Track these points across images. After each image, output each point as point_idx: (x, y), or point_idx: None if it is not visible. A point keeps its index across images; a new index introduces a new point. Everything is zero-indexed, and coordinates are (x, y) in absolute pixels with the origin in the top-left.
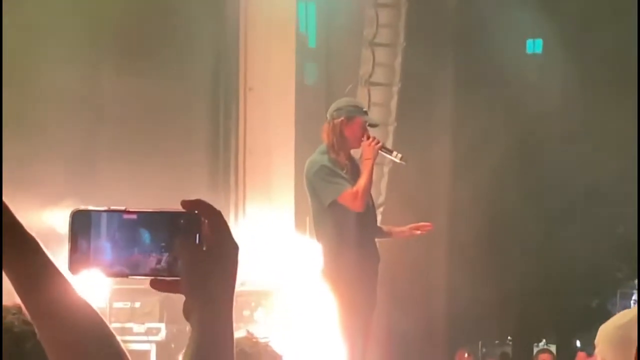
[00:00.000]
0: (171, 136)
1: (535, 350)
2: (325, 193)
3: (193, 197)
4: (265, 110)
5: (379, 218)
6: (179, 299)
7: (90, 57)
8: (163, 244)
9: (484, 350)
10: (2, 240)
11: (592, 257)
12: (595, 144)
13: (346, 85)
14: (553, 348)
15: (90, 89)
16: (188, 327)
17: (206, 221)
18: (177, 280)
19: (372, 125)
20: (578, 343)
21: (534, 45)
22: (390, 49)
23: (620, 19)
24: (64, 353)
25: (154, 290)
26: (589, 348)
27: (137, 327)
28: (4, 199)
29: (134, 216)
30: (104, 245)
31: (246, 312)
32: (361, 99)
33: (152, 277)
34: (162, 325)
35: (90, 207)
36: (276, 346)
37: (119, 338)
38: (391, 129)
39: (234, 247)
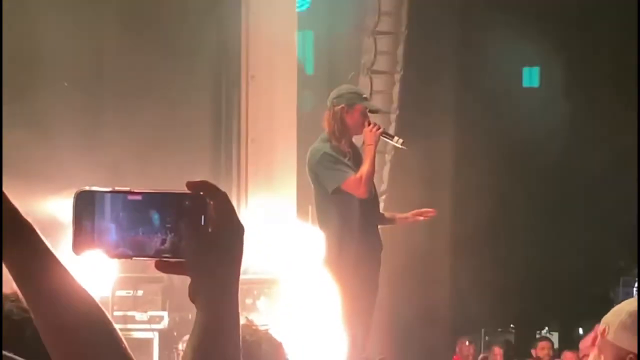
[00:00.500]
0: (173, 124)
1: (536, 337)
2: (329, 180)
3: None
4: (267, 98)
5: (381, 206)
6: (182, 287)
7: (92, 45)
8: (168, 225)
9: (486, 338)
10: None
11: (594, 245)
12: (598, 133)
13: (348, 73)
14: (556, 336)
15: (92, 76)
16: (191, 315)
17: (211, 202)
18: (182, 261)
19: (373, 112)
20: (581, 331)
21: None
22: (392, 37)
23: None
24: (59, 339)
25: (156, 279)
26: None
27: (139, 315)
28: (3, 185)
29: (139, 197)
30: (108, 226)
31: (249, 301)
32: (363, 87)
33: (157, 259)
34: (165, 314)
35: (95, 188)
36: (276, 334)
37: (115, 325)
38: (393, 117)
39: (240, 229)
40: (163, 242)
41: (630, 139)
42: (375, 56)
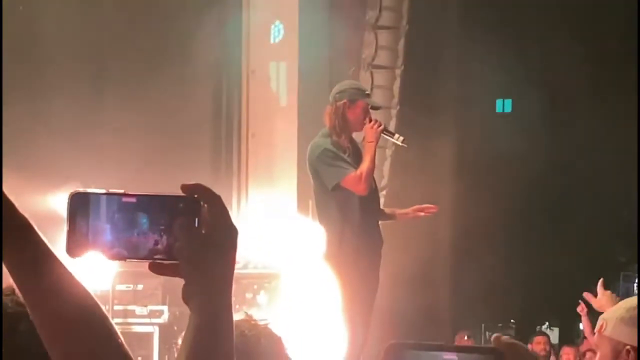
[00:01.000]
0: (174, 120)
1: (535, 332)
2: (329, 176)
3: (196, 181)
4: (267, 94)
5: (381, 201)
6: (182, 281)
7: (93, 43)
8: (162, 228)
9: (487, 333)
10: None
11: (595, 241)
12: (599, 129)
13: (349, 68)
14: (556, 331)
15: (93, 73)
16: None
17: (205, 205)
18: (175, 263)
19: (375, 108)
20: (581, 326)
21: None
22: (393, 32)
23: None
24: (56, 334)
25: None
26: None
27: (139, 310)
28: (16, 184)
29: (133, 199)
30: (102, 228)
31: (249, 295)
32: (364, 82)
33: (151, 261)
34: (165, 308)
35: (89, 190)
36: (276, 328)
37: (113, 319)
38: (394, 112)
39: (233, 231)
40: (157, 244)
41: (632, 134)
42: (376, 51)
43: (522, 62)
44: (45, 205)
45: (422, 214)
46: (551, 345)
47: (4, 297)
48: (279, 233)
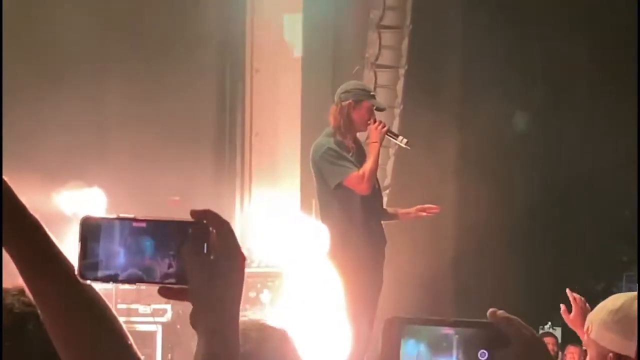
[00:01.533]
0: (178, 118)
1: (539, 332)
2: (332, 176)
3: (199, 179)
4: (271, 92)
5: (385, 201)
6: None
7: (97, 40)
8: (171, 252)
9: None
10: (6, 223)
11: (598, 241)
12: (600, 126)
13: (352, 67)
14: (559, 331)
15: (97, 70)
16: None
17: (214, 231)
18: (184, 288)
19: (379, 109)
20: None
21: None
22: (397, 32)
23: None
24: (66, 334)
25: None
26: None
27: (143, 308)
28: (9, 182)
29: (143, 224)
30: (114, 252)
31: (252, 294)
32: (367, 82)
33: (161, 285)
34: (168, 307)
35: (100, 215)
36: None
37: (121, 320)
38: (397, 111)
39: (241, 257)
40: (166, 268)
41: (632, 134)
42: (379, 50)
43: (526, 62)
44: (48, 204)
45: (425, 214)
46: (558, 346)
47: (10, 297)
48: (282, 232)
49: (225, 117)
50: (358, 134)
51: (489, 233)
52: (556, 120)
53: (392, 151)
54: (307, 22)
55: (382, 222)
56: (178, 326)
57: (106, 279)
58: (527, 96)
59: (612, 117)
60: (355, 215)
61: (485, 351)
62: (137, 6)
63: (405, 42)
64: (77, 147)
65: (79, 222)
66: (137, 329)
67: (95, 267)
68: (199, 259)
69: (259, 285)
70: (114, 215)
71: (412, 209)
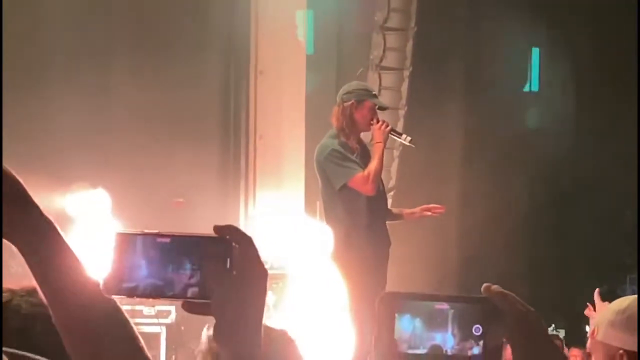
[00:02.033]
0: (182, 120)
1: None
2: (336, 177)
3: (203, 182)
4: (275, 94)
5: (389, 202)
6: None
7: (100, 42)
8: (194, 267)
9: None
10: (19, 222)
11: (601, 243)
12: (603, 128)
13: (357, 69)
14: (562, 332)
15: (100, 72)
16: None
17: (237, 246)
18: (207, 302)
19: (382, 109)
20: (587, 328)
21: None
22: (402, 34)
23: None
24: (77, 334)
25: None
26: None
27: (147, 310)
28: (24, 183)
29: (167, 240)
30: (136, 269)
31: None
32: (372, 83)
33: (184, 299)
34: (172, 308)
35: (126, 231)
36: (290, 331)
37: (132, 321)
38: (402, 113)
39: (263, 273)
40: (189, 283)
41: (634, 136)
42: (384, 52)
43: (529, 63)
44: (53, 206)
45: (430, 213)
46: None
47: (18, 299)
48: (287, 234)
49: (229, 119)
50: (362, 135)
51: (493, 234)
52: (559, 122)
53: (396, 153)
54: (311, 24)
55: (387, 222)
56: (182, 327)
57: (130, 294)
58: (530, 98)
59: (616, 118)
60: (360, 216)
61: (479, 326)
62: (141, 10)
63: (410, 44)
64: (82, 149)
65: (113, 235)
66: (141, 330)
67: (119, 281)
68: (221, 274)
69: None
70: (138, 231)
71: (417, 209)
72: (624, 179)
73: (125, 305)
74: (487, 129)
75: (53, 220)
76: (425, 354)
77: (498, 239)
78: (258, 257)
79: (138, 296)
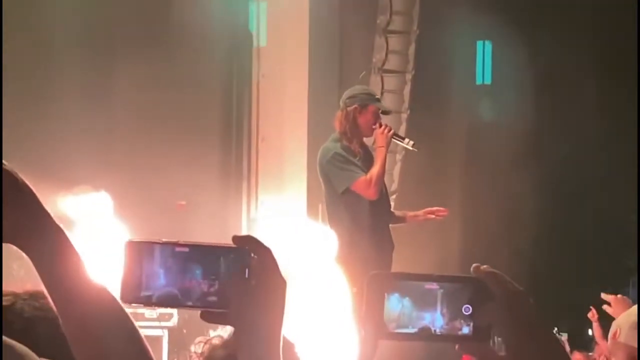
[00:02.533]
0: (184, 123)
1: None
2: (339, 180)
3: (205, 184)
4: (278, 97)
5: (392, 205)
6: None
7: (103, 44)
8: (213, 277)
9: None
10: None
11: (604, 246)
12: (607, 131)
13: (359, 72)
14: (564, 336)
15: (103, 74)
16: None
17: (255, 257)
18: (225, 312)
19: (385, 113)
20: (590, 332)
21: None
22: (404, 36)
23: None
24: (84, 336)
25: None
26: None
27: (149, 313)
28: (33, 187)
29: (186, 249)
30: (154, 278)
31: None
32: (374, 87)
33: (202, 309)
34: (175, 311)
35: (143, 239)
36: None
37: (136, 324)
38: (404, 116)
39: (282, 283)
40: (208, 292)
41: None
42: (386, 55)
43: (532, 66)
44: (54, 208)
45: (433, 216)
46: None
47: (20, 302)
48: (289, 237)
49: (231, 122)
50: (365, 139)
51: (496, 237)
52: (563, 125)
53: (399, 156)
54: (313, 27)
55: (389, 225)
56: (184, 331)
57: (147, 302)
58: (534, 100)
59: (619, 121)
60: (363, 219)
61: (469, 306)
62: (144, 12)
63: (412, 47)
64: (84, 152)
65: (124, 245)
66: (143, 334)
67: (137, 290)
68: (240, 284)
69: None
70: (156, 240)
71: (420, 212)
72: (627, 182)
73: (127, 309)
74: (490, 132)
75: (62, 227)
76: (414, 333)
77: (501, 241)
78: (276, 267)
79: (155, 305)
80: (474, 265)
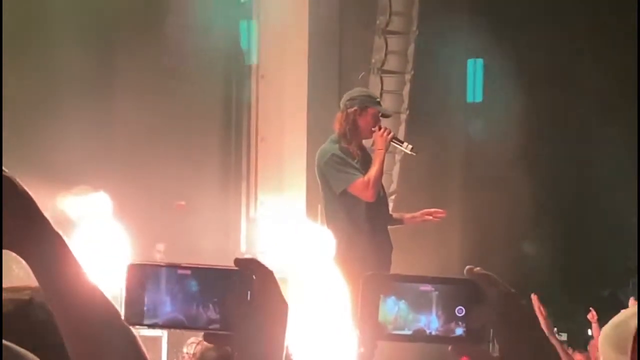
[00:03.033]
0: (183, 124)
1: None
2: (337, 182)
3: (205, 184)
4: (277, 98)
5: (390, 206)
6: None
7: (103, 44)
8: (215, 299)
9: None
10: (31, 236)
11: (604, 247)
12: (608, 133)
13: (358, 73)
14: (564, 337)
15: (103, 76)
16: None
17: (257, 279)
18: (228, 334)
19: (385, 116)
20: (590, 332)
21: None
22: (403, 37)
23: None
24: (79, 342)
25: None
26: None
27: None
28: (29, 191)
29: (188, 271)
30: (158, 300)
31: None
32: (374, 87)
33: (206, 330)
34: None
35: (145, 262)
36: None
37: (134, 331)
38: (404, 116)
39: (284, 306)
40: (211, 315)
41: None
42: (385, 56)
43: (533, 67)
44: (54, 209)
45: (431, 218)
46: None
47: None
48: (288, 237)
49: (231, 122)
50: (363, 141)
51: (495, 238)
52: (563, 126)
53: (398, 157)
54: (313, 28)
55: (388, 227)
56: (183, 332)
57: (151, 324)
58: (533, 101)
59: (621, 123)
60: (361, 221)
61: (462, 307)
62: (143, 14)
63: (412, 48)
64: (84, 152)
65: (126, 268)
66: (143, 334)
67: (141, 313)
68: (242, 306)
69: None
70: (159, 262)
71: (418, 213)
72: (628, 183)
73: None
74: (489, 133)
75: (61, 233)
76: (410, 335)
77: (500, 244)
78: (278, 289)
79: (160, 328)
80: (467, 267)
